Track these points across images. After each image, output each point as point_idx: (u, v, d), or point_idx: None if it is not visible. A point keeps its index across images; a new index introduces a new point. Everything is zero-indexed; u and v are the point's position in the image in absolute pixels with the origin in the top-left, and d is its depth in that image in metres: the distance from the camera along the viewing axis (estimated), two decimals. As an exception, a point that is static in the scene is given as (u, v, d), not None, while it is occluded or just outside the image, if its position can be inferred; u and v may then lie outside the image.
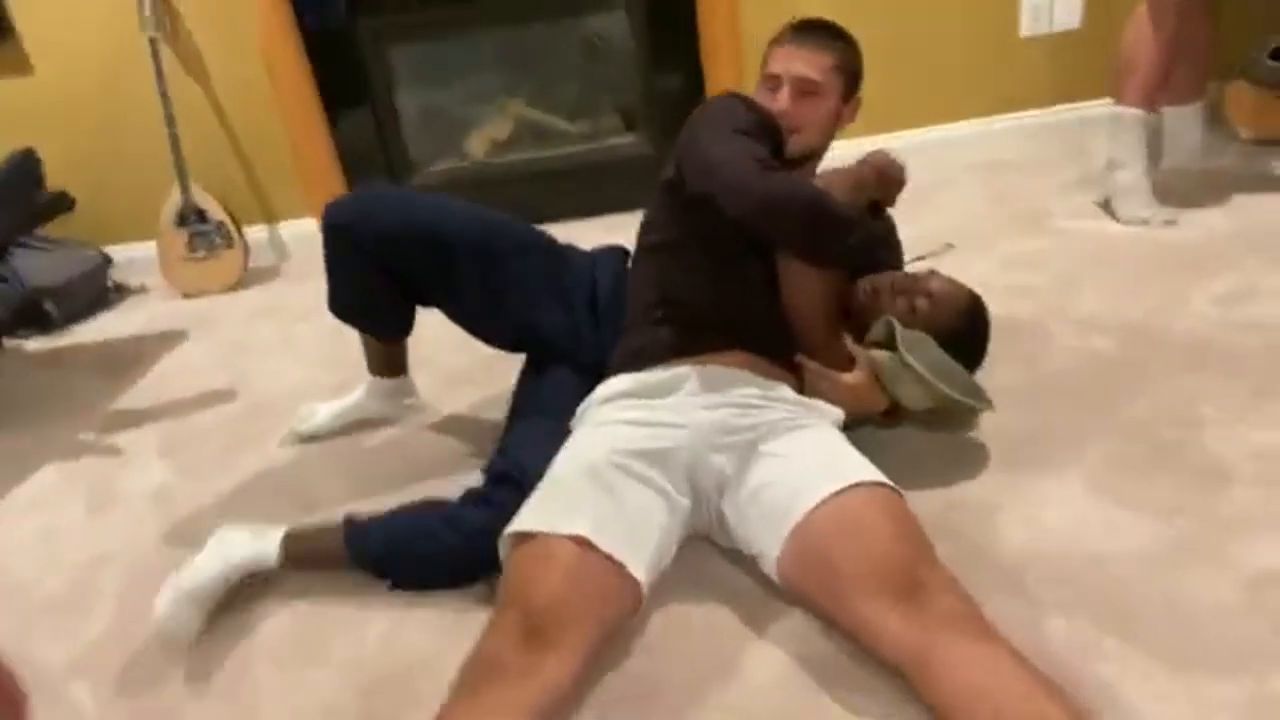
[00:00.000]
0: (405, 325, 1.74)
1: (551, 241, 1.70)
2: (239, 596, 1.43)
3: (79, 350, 2.68)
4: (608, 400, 1.39)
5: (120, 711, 1.28)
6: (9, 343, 2.75)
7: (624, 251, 1.70)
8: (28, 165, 2.19)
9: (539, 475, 1.30)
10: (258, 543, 1.41)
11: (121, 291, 3.10)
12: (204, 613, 1.37)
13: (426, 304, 1.68)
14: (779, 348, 1.44)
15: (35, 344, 2.76)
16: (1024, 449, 1.54)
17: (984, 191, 2.72)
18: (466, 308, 1.65)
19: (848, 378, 1.44)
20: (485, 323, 1.67)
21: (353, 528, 1.41)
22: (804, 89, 1.48)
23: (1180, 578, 1.22)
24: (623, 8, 2.86)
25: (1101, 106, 2.50)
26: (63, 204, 2.38)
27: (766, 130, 1.44)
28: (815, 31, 1.52)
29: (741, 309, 1.43)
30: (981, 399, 1.48)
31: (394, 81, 2.96)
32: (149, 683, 1.32)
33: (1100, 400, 1.64)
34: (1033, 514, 1.38)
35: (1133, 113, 2.31)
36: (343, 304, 1.70)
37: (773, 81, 1.51)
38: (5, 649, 1.39)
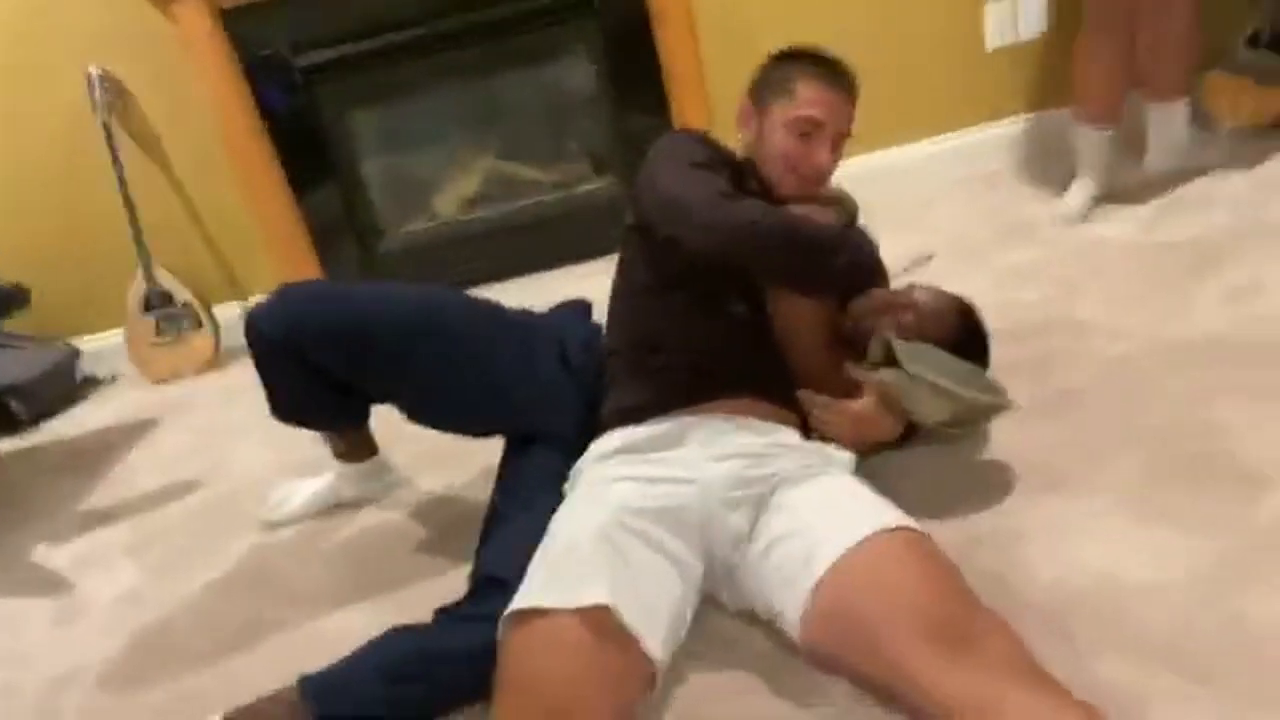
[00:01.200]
0: (360, 415, 1.63)
1: (504, 311, 1.55)
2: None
3: (47, 449, 2.57)
4: (605, 457, 1.28)
5: None
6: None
7: (586, 306, 1.61)
8: None
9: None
10: None
11: (92, 383, 3.00)
12: None
13: (380, 402, 1.54)
14: (779, 388, 1.34)
15: (2, 445, 2.64)
16: (1043, 470, 1.44)
17: (970, 205, 2.65)
18: (428, 403, 1.47)
19: (856, 406, 1.34)
20: (452, 415, 1.49)
21: (312, 683, 1.17)
22: (837, 142, 1.41)
23: (1235, 601, 1.11)
24: (584, 52, 2.81)
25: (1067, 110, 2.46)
26: (16, 299, 2.28)
27: (725, 163, 1.36)
28: (847, 79, 1.43)
29: (733, 350, 1.34)
30: (1001, 395, 1.39)
31: (357, 147, 2.90)
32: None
33: (1118, 412, 1.54)
34: (1062, 542, 1.28)
35: (1084, 129, 2.34)
36: (285, 412, 1.56)
37: (811, 127, 1.38)
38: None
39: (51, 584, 1.82)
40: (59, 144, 2.80)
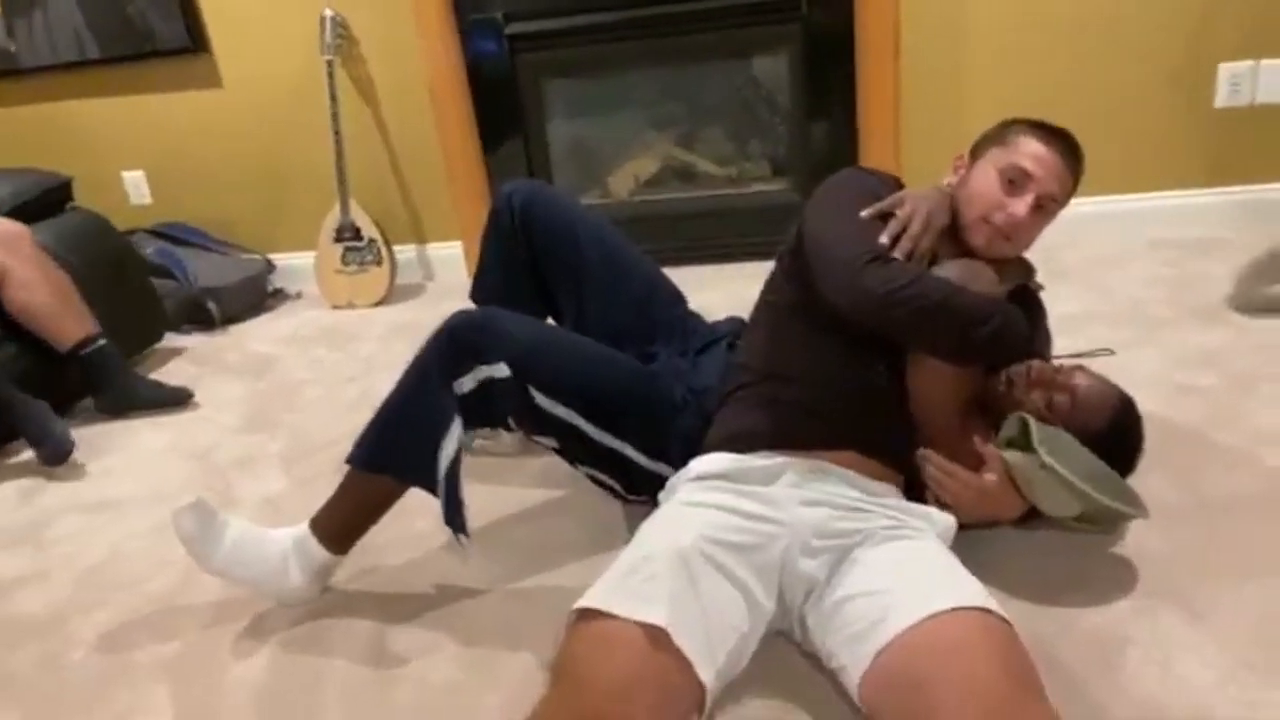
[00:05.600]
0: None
1: (676, 297, 1.78)
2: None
3: (230, 349, 2.83)
4: (702, 479, 1.31)
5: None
6: (167, 340, 2.93)
7: (741, 322, 1.65)
8: None
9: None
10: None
11: (279, 297, 3.28)
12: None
13: (549, 302, 1.78)
14: (894, 446, 1.33)
15: (193, 340, 2.93)
16: (1168, 578, 1.35)
17: (1165, 271, 2.49)
18: (582, 315, 1.71)
19: (980, 479, 1.31)
20: (593, 329, 1.68)
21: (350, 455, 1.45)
22: (1044, 204, 1.34)
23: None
24: (782, 56, 2.80)
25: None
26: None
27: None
28: (1072, 148, 1.37)
29: (860, 403, 1.32)
30: (1136, 505, 1.32)
31: (547, 115, 3.01)
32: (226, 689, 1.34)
33: (1269, 532, 1.43)
34: (1165, 660, 1.20)
35: None
36: (483, 291, 1.79)
37: (1021, 178, 1.34)
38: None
39: (211, 474, 2.03)
40: (289, 78, 3.05)
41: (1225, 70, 2.58)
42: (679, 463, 1.39)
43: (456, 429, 1.38)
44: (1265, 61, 2.55)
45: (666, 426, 1.46)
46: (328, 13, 2.87)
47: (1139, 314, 2.25)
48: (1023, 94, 2.63)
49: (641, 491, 1.51)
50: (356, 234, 3.06)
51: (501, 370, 1.37)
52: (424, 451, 1.38)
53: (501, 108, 2.95)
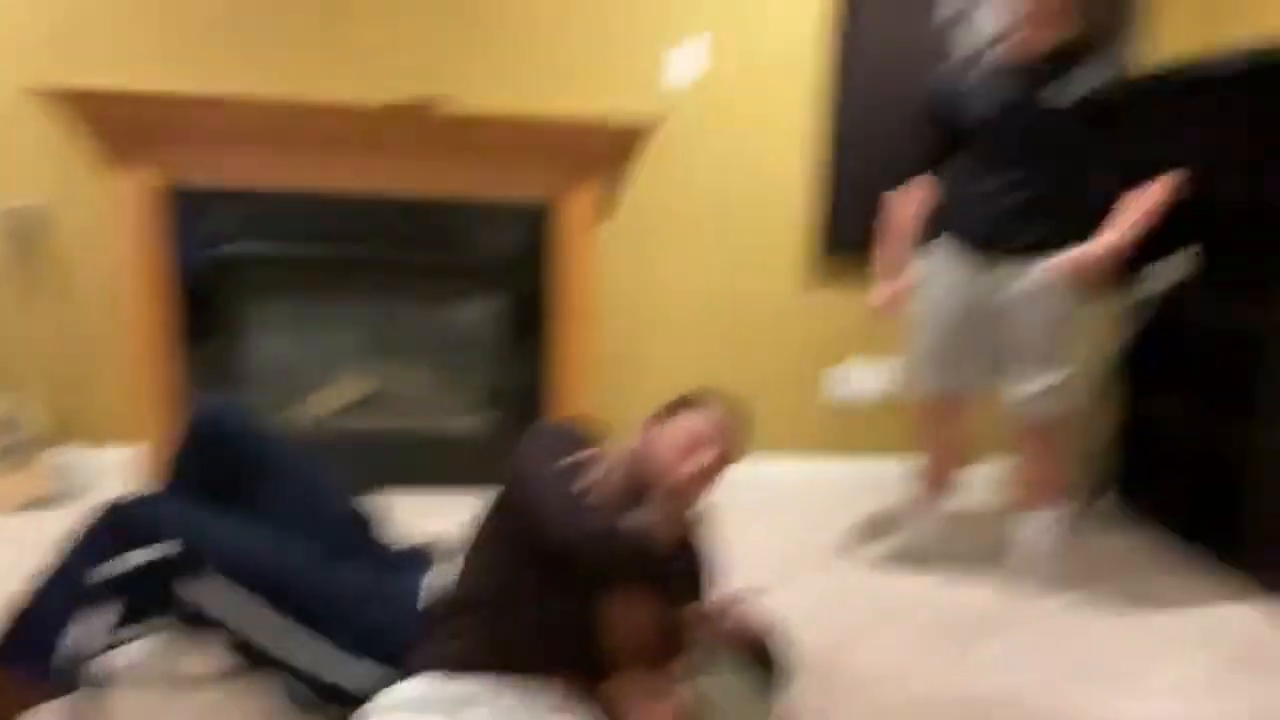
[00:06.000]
0: None
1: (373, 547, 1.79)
2: None
3: None
4: (405, 705, 1.35)
5: None
6: None
7: (438, 548, 1.76)
8: None
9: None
10: None
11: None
12: None
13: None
14: (593, 672, 1.46)
15: None
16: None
17: (796, 526, 2.89)
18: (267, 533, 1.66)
19: (662, 707, 1.46)
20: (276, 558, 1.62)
21: None
22: (717, 464, 1.59)
23: None
24: (491, 300, 3.08)
25: (902, 461, 2.82)
26: None
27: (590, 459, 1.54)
28: (740, 417, 1.66)
29: (559, 626, 1.46)
30: None
31: (251, 330, 3.00)
32: None
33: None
34: None
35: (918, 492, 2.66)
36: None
37: (696, 441, 1.58)
38: None
39: None
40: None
41: (834, 370, 3.27)
42: (361, 669, 1.44)
43: (94, 614, 1.35)
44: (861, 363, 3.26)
45: (353, 626, 1.49)
46: (24, 201, 2.74)
47: (779, 563, 2.60)
48: (697, 364, 3.15)
49: (325, 700, 1.49)
50: (9, 428, 2.77)
51: (173, 548, 1.37)
52: (44, 635, 1.33)
53: (203, 318, 2.89)
